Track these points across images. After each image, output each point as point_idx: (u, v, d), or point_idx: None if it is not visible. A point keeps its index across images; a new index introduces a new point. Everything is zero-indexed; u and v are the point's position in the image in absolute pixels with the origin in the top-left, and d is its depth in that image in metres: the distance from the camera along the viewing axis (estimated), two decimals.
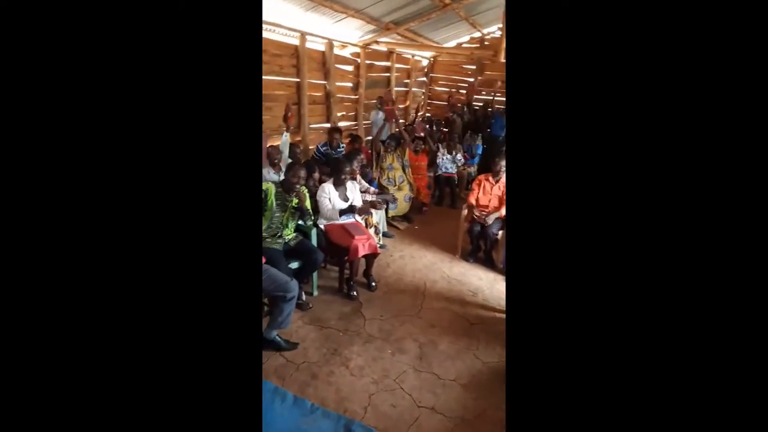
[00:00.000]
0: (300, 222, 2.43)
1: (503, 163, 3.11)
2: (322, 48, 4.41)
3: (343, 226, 2.60)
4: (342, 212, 2.60)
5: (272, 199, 2.23)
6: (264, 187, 2.23)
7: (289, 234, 2.39)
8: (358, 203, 2.77)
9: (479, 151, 5.04)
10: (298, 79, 4.07)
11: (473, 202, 3.18)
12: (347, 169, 2.70)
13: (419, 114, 5.38)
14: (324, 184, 2.68)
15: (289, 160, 2.96)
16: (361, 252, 2.47)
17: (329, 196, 2.64)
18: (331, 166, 2.99)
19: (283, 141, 2.93)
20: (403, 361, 2.04)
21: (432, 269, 3.09)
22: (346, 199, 2.71)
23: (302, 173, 2.28)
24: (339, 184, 2.70)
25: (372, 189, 3.32)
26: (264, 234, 2.23)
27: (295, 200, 2.28)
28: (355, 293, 2.60)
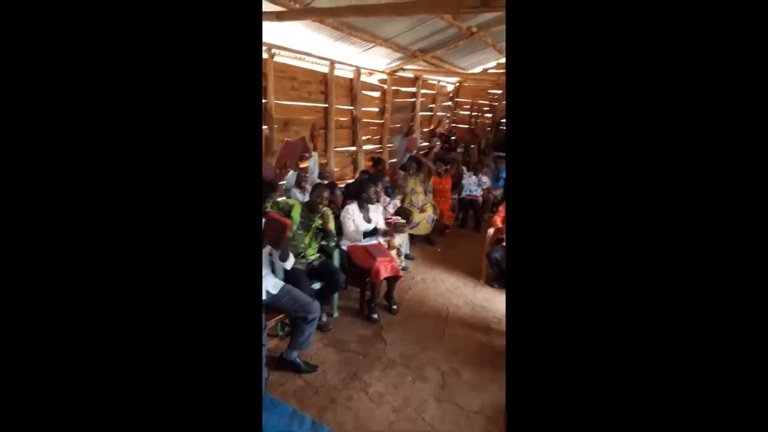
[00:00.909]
0: (323, 243, 2.46)
1: None
2: (350, 75, 4.58)
3: (365, 248, 2.60)
4: (366, 234, 2.62)
5: (297, 218, 2.28)
6: (290, 203, 2.29)
7: (312, 254, 2.42)
8: (382, 225, 2.78)
9: (504, 174, 4.98)
10: (326, 105, 4.22)
11: (499, 224, 3.11)
12: (372, 191, 2.74)
13: (437, 133, 5.38)
14: (348, 206, 2.72)
15: (318, 180, 3.04)
16: (383, 274, 2.46)
17: (353, 217, 2.66)
18: (355, 188, 3.05)
19: (312, 161, 3.02)
20: (424, 390, 1.97)
21: (455, 294, 3.02)
22: (369, 221, 2.73)
23: (326, 194, 2.33)
24: (363, 206, 2.73)
25: (392, 202, 3.33)
26: None
27: (319, 221, 2.32)
28: (376, 316, 2.57)
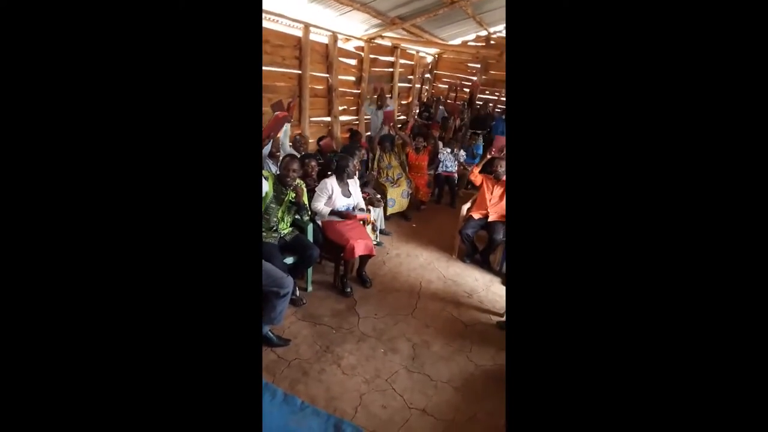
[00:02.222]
0: (296, 216, 2.41)
1: (503, 164, 3.08)
2: (325, 40, 4.35)
3: (340, 224, 2.57)
4: (337, 212, 2.59)
5: (270, 191, 2.20)
6: (264, 174, 2.19)
7: (285, 228, 2.36)
8: (361, 201, 2.74)
9: (479, 152, 5.01)
10: (300, 71, 4.02)
11: (477, 176, 3.19)
12: (350, 164, 2.67)
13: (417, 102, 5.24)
14: (326, 180, 2.64)
15: (290, 151, 2.92)
16: (357, 252, 2.45)
17: (331, 192, 2.60)
18: (331, 160, 2.97)
19: (282, 132, 2.89)
20: (395, 361, 2.03)
21: (428, 269, 3.07)
22: (348, 195, 2.68)
23: (295, 166, 2.25)
24: (341, 180, 2.67)
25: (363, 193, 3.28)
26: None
27: (292, 194, 2.25)
28: (349, 290, 2.58)
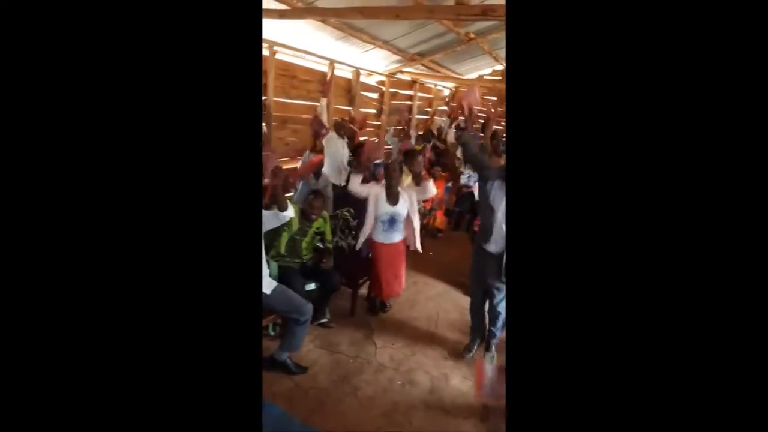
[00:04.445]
0: (318, 245, 2.46)
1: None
2: (349, 75, 4.57)
3: (388, 257, 2.46)
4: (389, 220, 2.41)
5: (295, 221, 2.26)
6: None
7: (307, 255, 2.41)
8: (408, 209, 2.44)
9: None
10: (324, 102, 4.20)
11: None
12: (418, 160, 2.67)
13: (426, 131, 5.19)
14: (371, 184, 2.47)
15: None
16: (388, 296, 2.48)
17: (378, 199, 2.37)
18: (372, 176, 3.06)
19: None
20: (413, 395, 1.99)
21: (446, 298, 3.04)
22: (394, 203, 2.40)
23: (318, 203, 2.33)
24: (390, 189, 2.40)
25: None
26: (283, 253, 2.26)
27: (316, 226, 2.34)
28: (388, 306, 2.69)
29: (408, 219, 2.47)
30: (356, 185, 2.36)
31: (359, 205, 2.54)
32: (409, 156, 2.86)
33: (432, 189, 2.46)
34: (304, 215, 2.33)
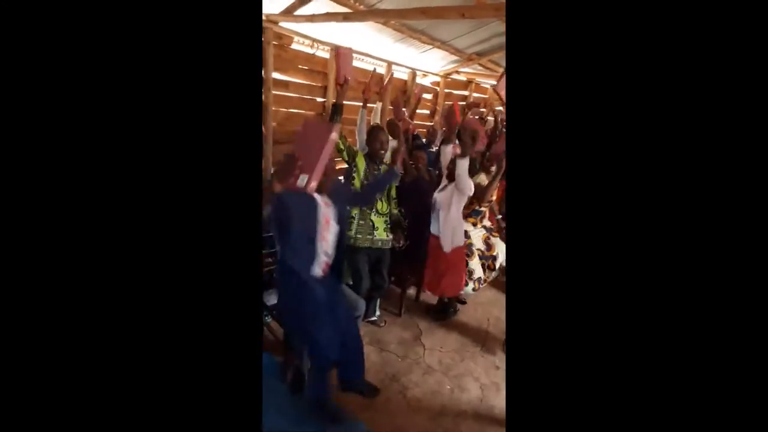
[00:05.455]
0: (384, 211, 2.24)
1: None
2: (405, 77, 4.59)
3: (451, 253, 2.32)
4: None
5: (361, 167, 2.11)
6: (354, 149, 2.13)
7: (382, 235, 2.21)
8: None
9: None
10: (378, 105, 4.25)
11: None
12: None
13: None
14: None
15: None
16: (446, 293, 2.44)
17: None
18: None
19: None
20: (462, 400, 1.95)
21: (496, 305, 2.95)
22: None
23: (385, 137, 2.16)
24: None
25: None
26: (352, 232, 2.15)
27: (384, 166, 2.15)
28: (452, 310, 2.67)
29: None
30: (464, 169, 2.11)
31: (412, 200, 2.52)
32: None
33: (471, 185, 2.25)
34: (372, 155, 2.19)
